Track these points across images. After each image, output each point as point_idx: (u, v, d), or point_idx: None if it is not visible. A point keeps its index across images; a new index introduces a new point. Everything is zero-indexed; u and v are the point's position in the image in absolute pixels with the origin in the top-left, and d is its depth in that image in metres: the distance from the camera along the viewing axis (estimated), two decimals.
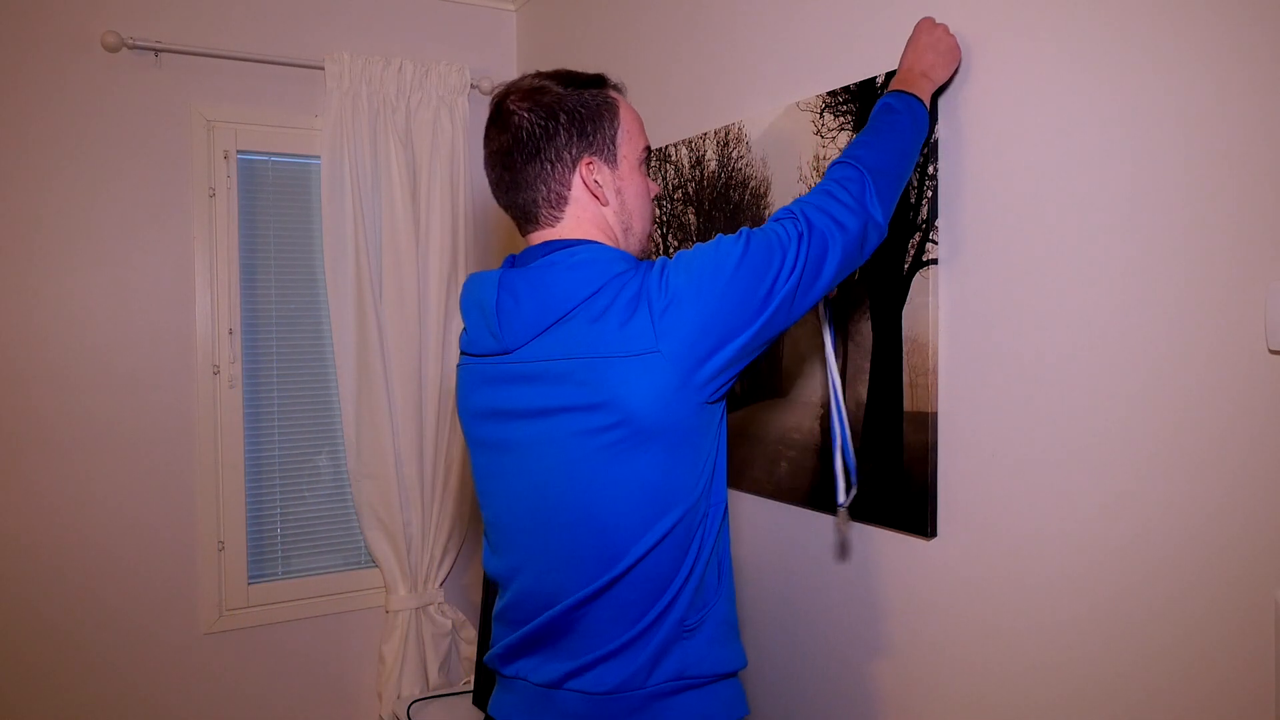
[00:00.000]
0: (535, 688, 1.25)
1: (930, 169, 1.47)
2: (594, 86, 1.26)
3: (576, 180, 1.23)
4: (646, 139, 1.31)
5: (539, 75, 1.26)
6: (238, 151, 2.57)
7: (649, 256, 1.33)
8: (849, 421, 1.54)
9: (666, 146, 2.14)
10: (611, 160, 1.25)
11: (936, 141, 1.48)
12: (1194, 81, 1.13)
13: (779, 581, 1.88)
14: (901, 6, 1.55)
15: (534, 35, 2.85)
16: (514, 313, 1.19)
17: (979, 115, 1.42)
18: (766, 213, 1.83)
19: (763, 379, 1.87)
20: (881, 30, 1.58)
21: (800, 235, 1.18)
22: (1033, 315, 1.35)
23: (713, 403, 1.18)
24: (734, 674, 1.27)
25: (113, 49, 2.34)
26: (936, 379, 1.50)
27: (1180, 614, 1.17)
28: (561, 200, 1.23)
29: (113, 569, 2.44)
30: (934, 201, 1.48)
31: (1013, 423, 1.38)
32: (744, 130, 1.89)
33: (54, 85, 2.34)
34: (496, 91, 1.26)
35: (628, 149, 1.27)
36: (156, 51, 2.42)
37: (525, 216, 1.26)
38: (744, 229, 1.19)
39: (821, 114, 1.68)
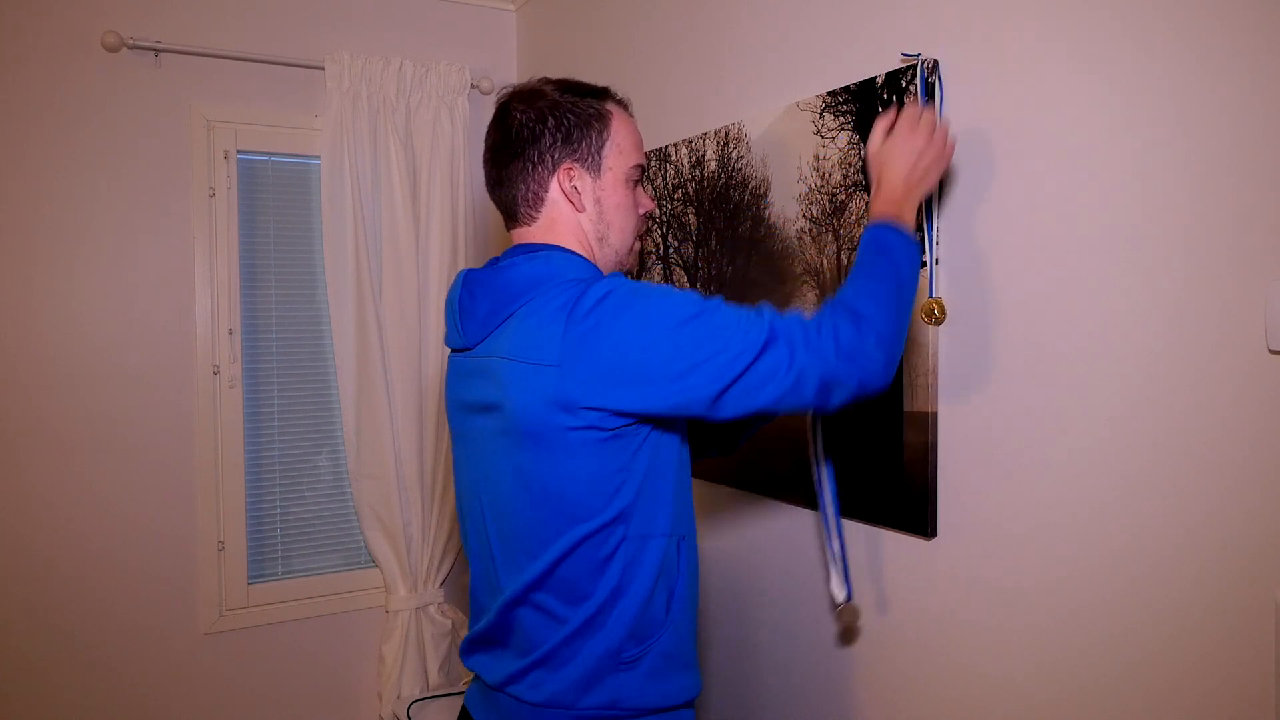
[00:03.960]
0: (485, 686, 1.31)
1: None
2: (592, 96, 1.28)
3: (554, 183, 1.26)
4: (641, 158, 1.31)
5: (545, 80, 1.29)
6: (238, 151, 2.57)
7: (631, 272, 1.33)
8: (842, 529, 1.55)
9: (666, 146, 2.14)
10: (595, 170, 1.26)
11: None
12: (1194, 81, 1.13)
13: (779, 581, 1.88)
14: (902, 6, 1.55)
15: (534, 35, 2.85)
16: (471, 310, 1.26)
17: (979, 115, 1.42)
18: (767, 213, 1.83)
19: None
20: (881, 30, 1.58)
21: (765, 345, 1.09)
22: (1032, 315, 1.35)
23: (594, 436, 1.14)
24: (677, 707, 1.26)
25: (113, 49, 2.34)
26: (936, 379, 1.50)
27: (1180, 614, 1.17)
28: (539, 201, 1.27)
29: (113, 569, 2.44)
30: (934, 201, 1.48)
31: (1013, 423, 1.38)
32: (744, 130, 1.89)
33: (54, 85, 2.34)
34: (503, 92, 1.31)
35: (615, 162, 1.27)
36: (156, 51, 2.42)
37: (507, 212, 1.31)
38: (717, 299, 1.14)
39: (821, 114, 1.68)
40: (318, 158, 2.65)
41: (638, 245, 1.35)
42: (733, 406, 1.11)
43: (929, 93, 1.46)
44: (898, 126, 1.29)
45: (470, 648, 1.33)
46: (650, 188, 2.19)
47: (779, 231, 1.81)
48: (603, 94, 1.29)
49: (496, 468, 1.23)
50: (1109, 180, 1.24)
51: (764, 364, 1.08)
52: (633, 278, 1.35)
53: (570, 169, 1.25)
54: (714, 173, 1.98)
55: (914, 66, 1.48)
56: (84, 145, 2.38)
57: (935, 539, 1.52)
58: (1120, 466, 1.24)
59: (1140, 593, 1.22)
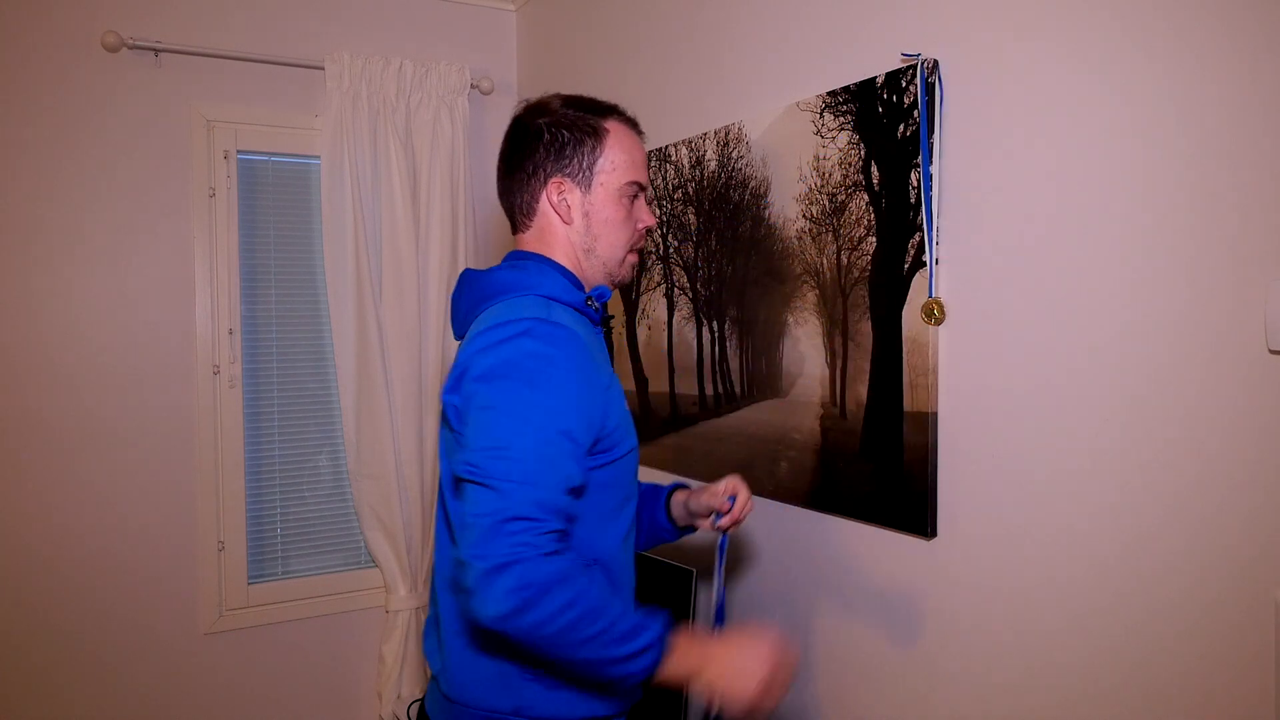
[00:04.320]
0: (432, 676, 1.37)
1: (930, 169, 1.47)
2: (594, 112, 1.32)
3: (544, 195, 1.31)
4: (638, 175, 1.32)
5: (557, 95, 1.36)
6: (238, 151, 2.57)
7: (623, 283, 1.39)
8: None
9: (666, 147, 2.14)
10: (585, 184, 1.30)
11: (936, 141, 1.48)
12: (1195, 82, 1.13)
13: (779, 581, 1.88)
14: (902, 6, 1.55)
15: (534, 35, 2.85)
16: (458, 306, 1.34)
17: (980, 114, 1.42)
18: (767, 213, 1.83)
19: (763, 379, 1.87)
20: (881, 30, 1.58)
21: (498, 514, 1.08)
22: (1033, 315, 1.35)
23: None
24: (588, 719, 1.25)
25: (113, 49, 2.34)
26: (936, 379, 1.50)
27: (1180, 614, 1.17)
28: (532, 210, 1.33)
29: (113, 569, 2.44)
30: (934, 201, 1.48)
31: (1013, 423, 1.38)
32: (744, 130, 1.89)
33: (54, 85, 2.34)
34: (518, 105, 1.39)
35: (608, 178, 1.30)
36: (156, 51, 2.42)
37: (509, 218, 1.38)
38: (536, 443, 1.12)
39: (821, 114, 1.68)
40: (318, 158, 2.64)
41: (632, 259, 1.37)
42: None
43: (929, 92, 1.46)
44: (754, 646, 1.18)
45: (424, 634, 1.39)
46: (656, 207, 2.19)
47: (779, 231, 1.81)
48: (606, 111, 1.33)
49: (443, 454, 1.32)
50: (1109, 180, 1.24)
51: (479, 505, 1.09)
52: (619, 288, 1.41)
53: (560, 183, 1.30)
54: (714, 173, 1.98)
55: (914, 66, 1.48)
56: (84, 145, 2.38)
57: (935, 539, 1.52)
58: (1120, 466, 1.24)
59: (1140, 592, 1.22)
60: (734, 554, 2.01)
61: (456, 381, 1.20)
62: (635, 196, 1.34)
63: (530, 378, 1.14)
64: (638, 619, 1.12)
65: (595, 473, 1.23)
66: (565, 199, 1.30)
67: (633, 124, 1.36)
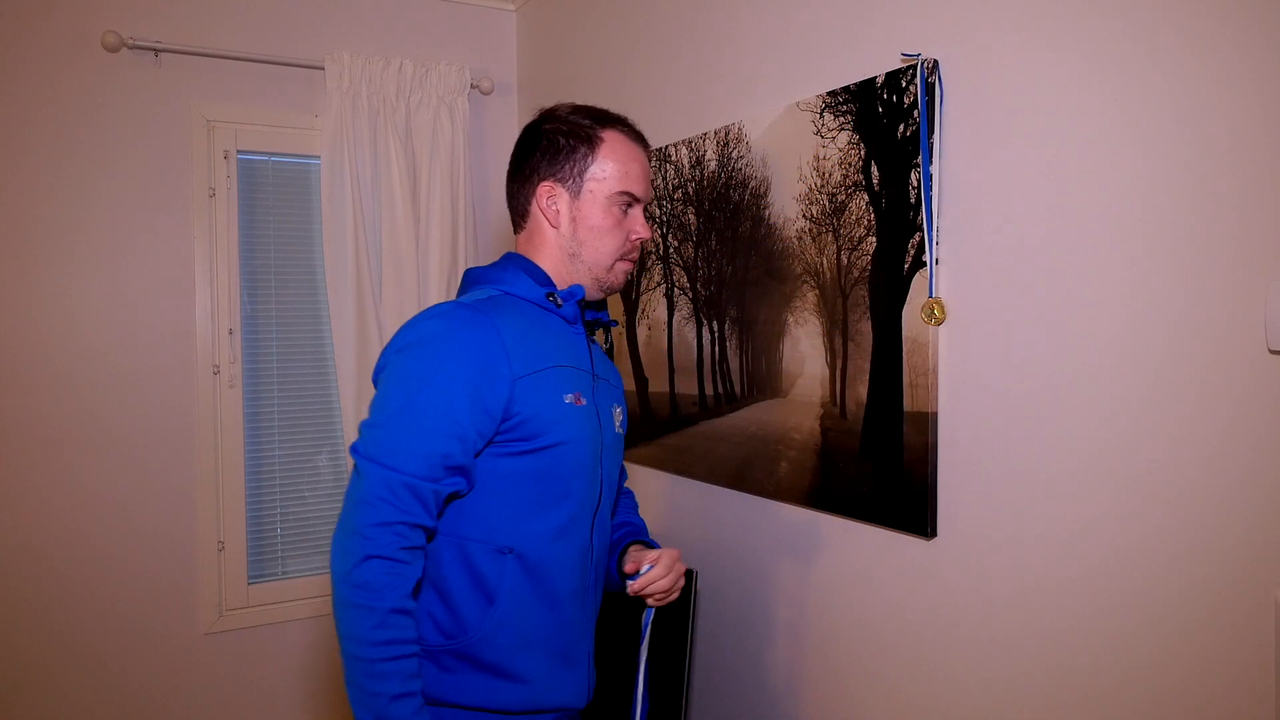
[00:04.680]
0: None
1: (930, 169, 1.47)
2: (593, 120, 1.35)
3: (535, 199, 1.36)
4: (632, 186, 1.35)
5: (569, 104, 1.39)
6: (238, 151, 2.57)
7: (613, 291, 1.41)
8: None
9: (666, 147, 2.14)
10: (575, 190, 1.34)
11: (936, 141, 1.48)
12: (1195, 82, 1.13)
13: (779, 581, 1.88)
14: (902, 6, 1.54)
15: (534, 35, 2.85)
16: None
17: (980, 114, 1.42)
18: (767, 213, 1.83)
19: (763, 379, 1.87)
20: (881, 30, 1.58)
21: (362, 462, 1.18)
22: (1033, 315, 1.35)
23: None
24: (480, 710, 1.27)
25: (113, 49, 2.34)
26: (936, 379, 1.50)
27: (1181, 614, 1.17)
28: (525, 213, 1.39)
29: (113, 569, 2.44)
30: (934, 201, 1.48)
31: (1013, 423, 1.38)
32: (744, 130, 1.89)
33: (54, 85, 2.34)
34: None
35: (598, 185, 1.33)
36: (156, 51, 2.42)
37: (511, 218, 1.43)
38: (418, 409, 1.19)
39: (821, 114, 1.68)
40: (318, 158, 2.65)
41: (623, 267, 1.38)
42: None
43: (929, 92, 1.46)
44: None
45: None
46: (655, 222, 2.19)
47: (779, 231, 1.81)
48: (609, 121, 1.36)
49: None
50: (1109, 180, 1.24)
51: (363, 486, 1.17)
52: (609, 294, 1.43)
53: (550, 187, 1.34)
54: (714, 173, 1.98)
55: (914, 66, 1.48)
56: (84, 145, 2.38)
57: (935, 539, 1.52)
58: (1120, 466, 1.24)
59: (1140, 591, 1.22)
60: (732, 554, 2.01)
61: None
62: (628, 206, 1.36)
63: (423, 355, 1.20)
64: (403, 715, 1.13)
65: (511, 460, 1.25)
66: (554, 203, 1.34)
67: (636, 136, 1.38)
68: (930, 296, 1.48)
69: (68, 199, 2.37)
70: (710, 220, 2.00)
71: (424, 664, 1.25)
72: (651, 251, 2.21)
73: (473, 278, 1.38)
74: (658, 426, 2.21)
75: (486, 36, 2.90)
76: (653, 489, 2.26)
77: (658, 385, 2.21)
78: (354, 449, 1.19)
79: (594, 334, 1.46)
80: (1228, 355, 1.11)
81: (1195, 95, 1.13)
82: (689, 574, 1.99)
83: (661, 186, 2.16)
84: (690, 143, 2.05)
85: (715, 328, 2.01)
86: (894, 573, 1.60)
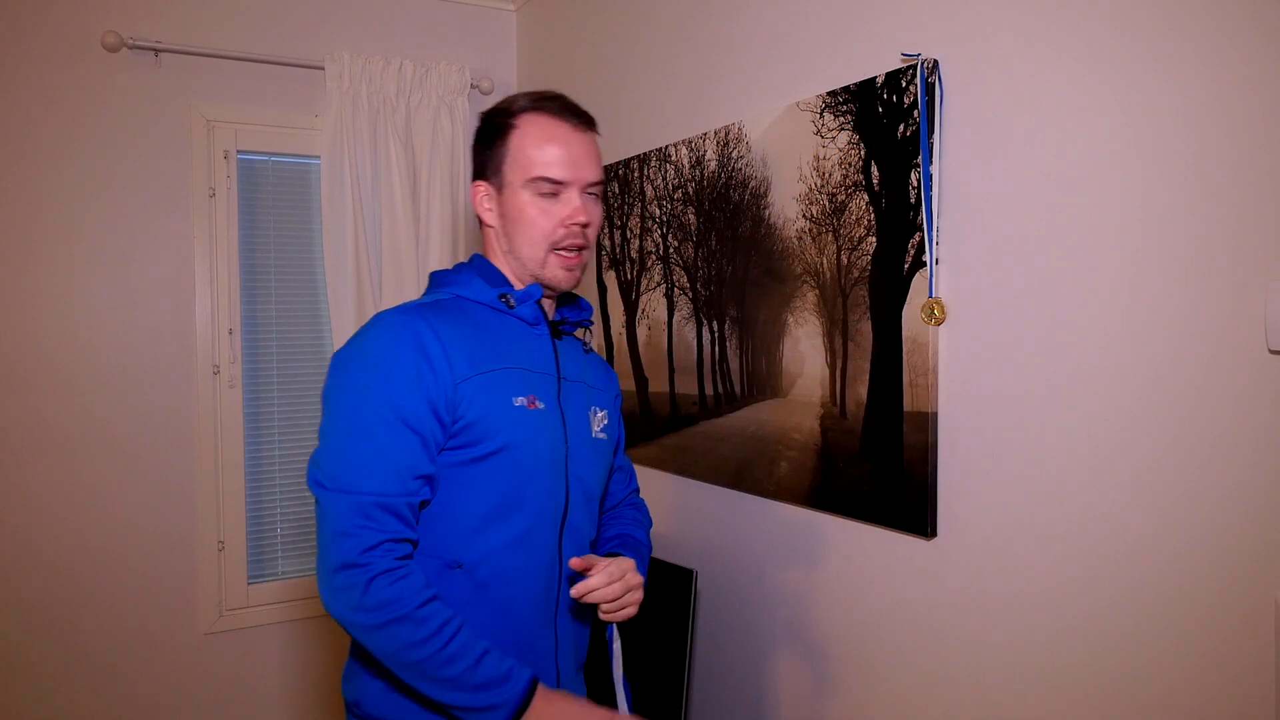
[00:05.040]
0: None
1: (930, 168, 1.47)
2: (511, 106, 1.29)
3: (473, 202, 1.33)
4: (548, 170, 1.24)
5: (517, 94, 1.34)
6: (238, 151, 2.57)
7: (555, 288, 1.31)
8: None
9: (666, 147, 2.14)
10: (499, 185, 1.29)
11: (936, 141, 1.48)
12: (1195, 82, 1.13)
13: (779, 581, 1.88)
14: (902, 6, 1.54)
15: (534, 35, 2.85)
16: None
17: (980, 114, 1.42)
18: (766, 213, 1.83)
19: (763, 379, 1.87)
20: (881, 30, 1.58)
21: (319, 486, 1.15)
22: (1033, 315, 1.35)
23: None
24: None
25: (113, 49, 2.34)
26: (936, 379, 1.50)
27: (1181, 613, 1.17)
28: (477, 216, 1.35)
29: (113, 569, 2.44)
30: (934, 201, 1.48)
31: (1013, 423, 1.38)
32: (744, 130, 1.89)
33: (54, 85, 2.34)
34: None
35: (512, 174, 1.27)
36: (156, 51, 2.42)
37: None
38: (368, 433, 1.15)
39: (821, 114, 1.68)
40: (318, 158, 2.64)
41: (558, 259, 1.28)
42: None
43: (929, 92, 1.46)
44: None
45: None
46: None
47: (779, 231, 1.81)
48: (528, 104, 1.28)
49: None
50: (1109, 180, 1.24)
51: (324, 515, 1.14)
52: (557, 291, 1.33)
53: (480, 187, 1.32)
54: (714, 173, 1.98)
55: (914, 66, 1.48)
56: (84, 145, 2.38)
57: (935, 539, 1.52)
58: (1119, 466, 1.24)
59: (1140, 591, 1.22)
60: (733, 554, 2.01)
61: None
62: (551, 194, 1.26)
63: (363, 368, 1.17)
64: (493, 673, 1.13)
65: (458, 469, 1.20)
66: (484, 200, 1.32)
67: (562, 112, 1.28)
68: (930, 296, 1.48)
69: (68, 199, 2.37)
70: (710, 220, 2.00)
71: (374, 681, 1.22)
72: (652, 252, 2.21)
73: (432, 280, 1.35)
74: (658, 426, 2.21)
75: (486, 36, 2.90)
76: (653, 489, 2.26)
77: (658, 385, 2.21)
78: (315, 482, 1.14)
79: (573, 334, 1.40)
80: (1228, 355, 1.11)
81: (1195, 95, 1.13)
82: (689, 573, 1.98)
83: (661, 186, 2.16)
84: (690, 143, 2.05)
85: (715, 328, 2.01)
86: (894, 573, 1.60)
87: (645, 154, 2.21)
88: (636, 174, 2.25)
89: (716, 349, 2.01)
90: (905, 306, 1.53)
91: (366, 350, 1.18)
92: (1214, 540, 1.13)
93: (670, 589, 2.01)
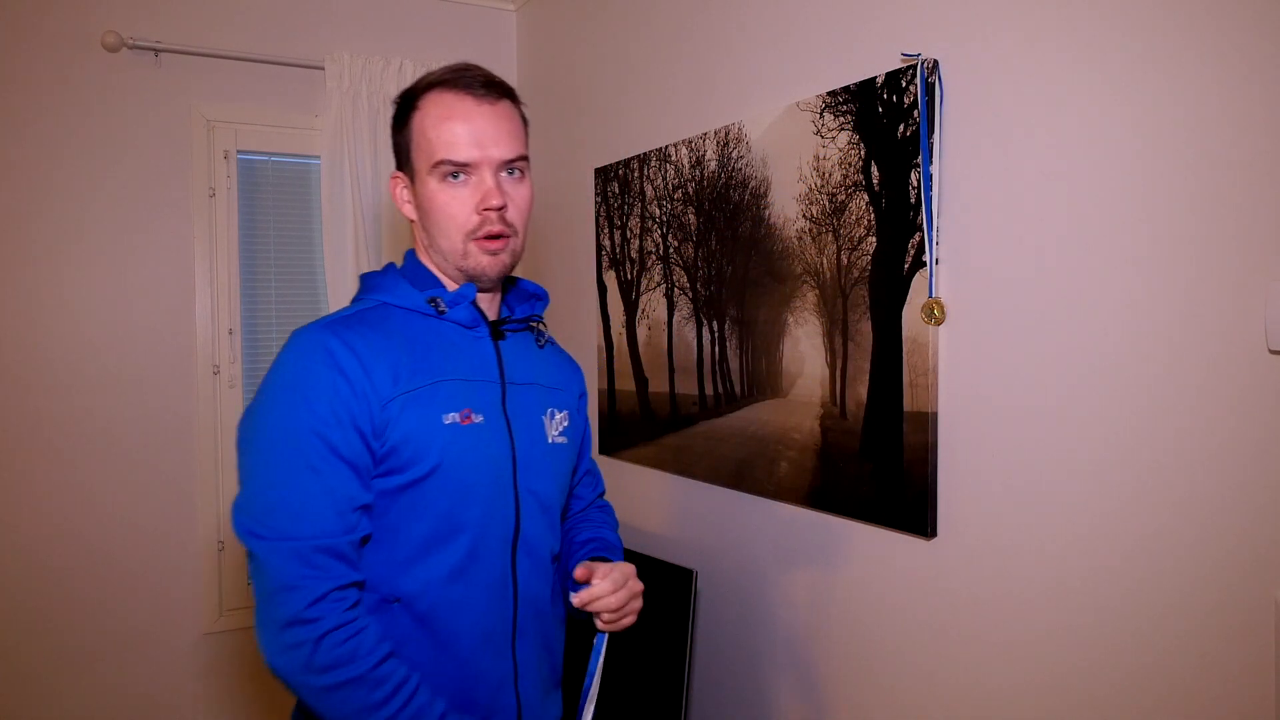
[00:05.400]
0: None
1: (930, 169, 1.47)
2: (414, 87, 1.18)
3: (391, 194, 1.23)
4: (450, 153, 1.13)
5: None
6: (238, 151, 2.57)
7: (483, 280, 1.19)
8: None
9: (666, 147, 2.14)
10: (411, 175, 1.18)
11: (936, 141, 1.48)
12: (1195, 82, 1.13)
13: (779, 581, 1.88)
14: (902, 6, 1.54)
15: (534, 35, 2.85)
16: None
17: (979, 114, 1.42)
18: (767, 213, 1.83)
19: (763, 379, 1.87)
20: (881, 30, 1.58)
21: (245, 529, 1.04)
22: (1033, 315, 1.35)
23: None
24: None
25: (113, 49, 2.34)
26: (936, 379, 1.50)
27: (1181, 613, 1.17)
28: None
29: (113, 569, 2.44)
30: (934, 201, 1.48)
31: (1013, 422, 1.38)
32: (744, 130, 1.89)
33: (54, 85, 2.34)
34: None
35: (420, 162, 1.16)
36: (156, 51, 2.42)
37: None
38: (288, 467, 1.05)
39: (821, 114, 1.68)
40: (318, 158, 2.64)
41: (480, 247, 1.16)
42: None
43: (929, 92, 1.46)
44: None
45: None
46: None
47: (779, 231, 1.80)
48: (427, 83, 1.17)
49: None
50: (1109, 181, 1.24)
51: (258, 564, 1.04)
52: (484, 282, 1.21)
53: (396, 177, 1.22)
54: (714, 173, 1.98)
55: (914, 66, 1.48)
56: (84, 145, 2.38)
57: (935, 539, 1.52)
58: (1119, 466, 1.24)
59: (1140, 592, 1.22)
60: (733, 554, 2.01)
61: None
62: (458, 176, 1.14)
63: (277, 399, 1.06)
64: None
65: (388, 498, 1.10)
66: (401, 193, 1.22)
67: (466, 87, 1.14)
68: (930, 296, 1.48)
69: (68, 199, 2.37)
70: (710, 220, 2.00)
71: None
72: (652, 252, 2.21)
73: (360, 285, 1.25)
74: (658, 426, 2.21)
75: (486, 36, 2.90)
76: (653, 489, 2.26)
77: (658, 385, 2.21)
78: (246, 531, 1.02)
79: (525, 329, 1.29)
80: (1228, 355, 1.11)
81: (1195, 95, 1.13)
82: (689, 573, 1.98)
83: (661, 186, 2.16)
84: (690, 143, 2.05)
85: (715, 328, 2.01)
86: (894, 573, 1.60)
87: (645, 154, 2.21)
88: (636, 174, 2.25)
89: (716, 349, 2.01)
90: (905, 306, 1.53)
91: (281, 378, 1.08)
92: (1214, 540, 1.13)
93: (670, 589, 2.01)
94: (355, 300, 1.23)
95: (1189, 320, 1.15)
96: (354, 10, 2.70)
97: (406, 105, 1.18)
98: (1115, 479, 1.24)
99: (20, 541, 2.33)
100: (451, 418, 1.13)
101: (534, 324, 1.30)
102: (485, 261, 1.17)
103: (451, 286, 1.21)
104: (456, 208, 1.14)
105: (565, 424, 1.29)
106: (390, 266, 1.24)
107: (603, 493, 1.51)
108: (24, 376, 2.33)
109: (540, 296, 1.31)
